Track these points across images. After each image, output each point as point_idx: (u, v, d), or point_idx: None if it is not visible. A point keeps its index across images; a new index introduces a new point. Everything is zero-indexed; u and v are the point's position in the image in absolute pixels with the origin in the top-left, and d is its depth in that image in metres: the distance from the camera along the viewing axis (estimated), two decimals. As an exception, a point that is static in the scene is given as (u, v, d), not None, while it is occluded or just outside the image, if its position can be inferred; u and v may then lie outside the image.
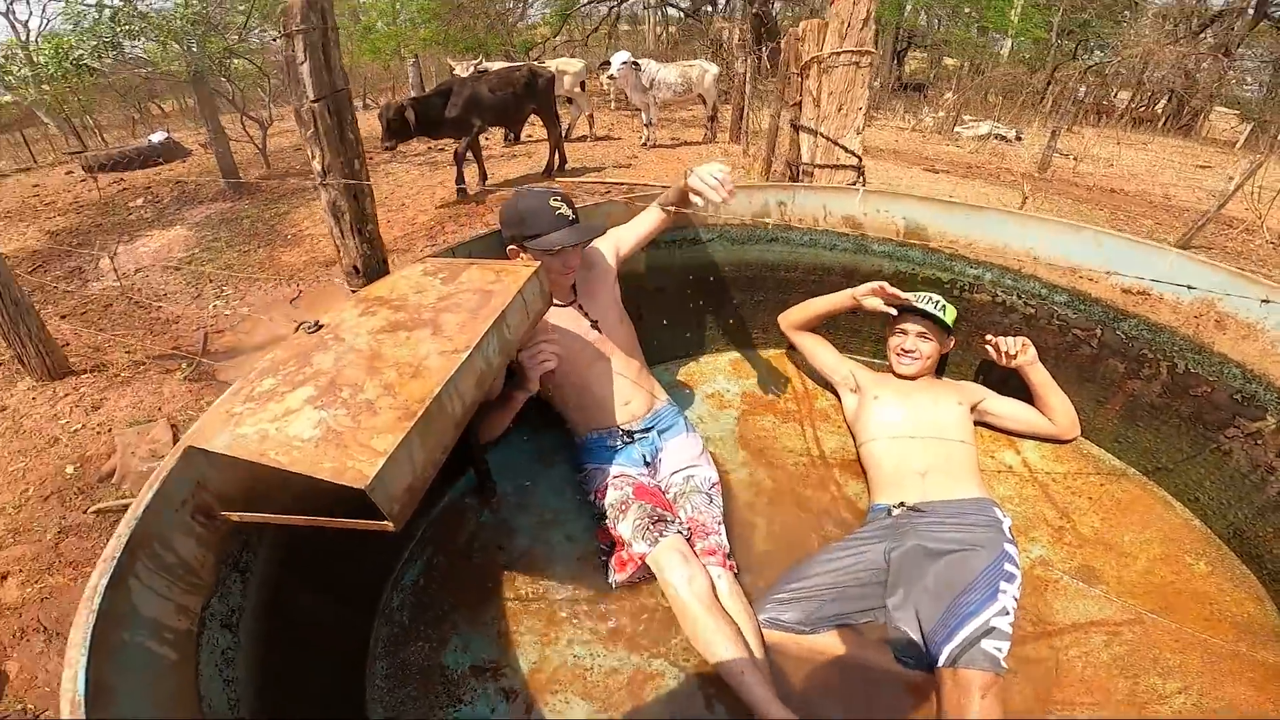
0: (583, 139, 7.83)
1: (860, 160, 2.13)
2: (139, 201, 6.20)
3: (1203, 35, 13.49)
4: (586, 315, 1.70)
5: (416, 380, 1.04)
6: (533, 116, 6.12)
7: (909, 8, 12.30)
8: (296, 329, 1.22)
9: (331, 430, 0.95)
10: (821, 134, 2.14)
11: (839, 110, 2.10)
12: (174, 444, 2.20)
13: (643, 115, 7.28)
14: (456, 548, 1.64)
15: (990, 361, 1.92)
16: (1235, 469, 1.64)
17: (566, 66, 7.33)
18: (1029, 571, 1.58)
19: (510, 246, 1.59)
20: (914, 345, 1.86)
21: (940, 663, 1.31)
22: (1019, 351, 1.81)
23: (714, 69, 7.33)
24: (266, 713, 1.06)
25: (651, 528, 1.47)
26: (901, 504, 1.60)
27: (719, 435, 2.00)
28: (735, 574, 1.49)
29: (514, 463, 1.87)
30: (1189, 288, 1.59)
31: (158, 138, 8.59)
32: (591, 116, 7.87)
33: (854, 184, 2.14)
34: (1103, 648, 1.43)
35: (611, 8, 14.43)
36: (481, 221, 4.79)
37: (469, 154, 5.36)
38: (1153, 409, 1.80)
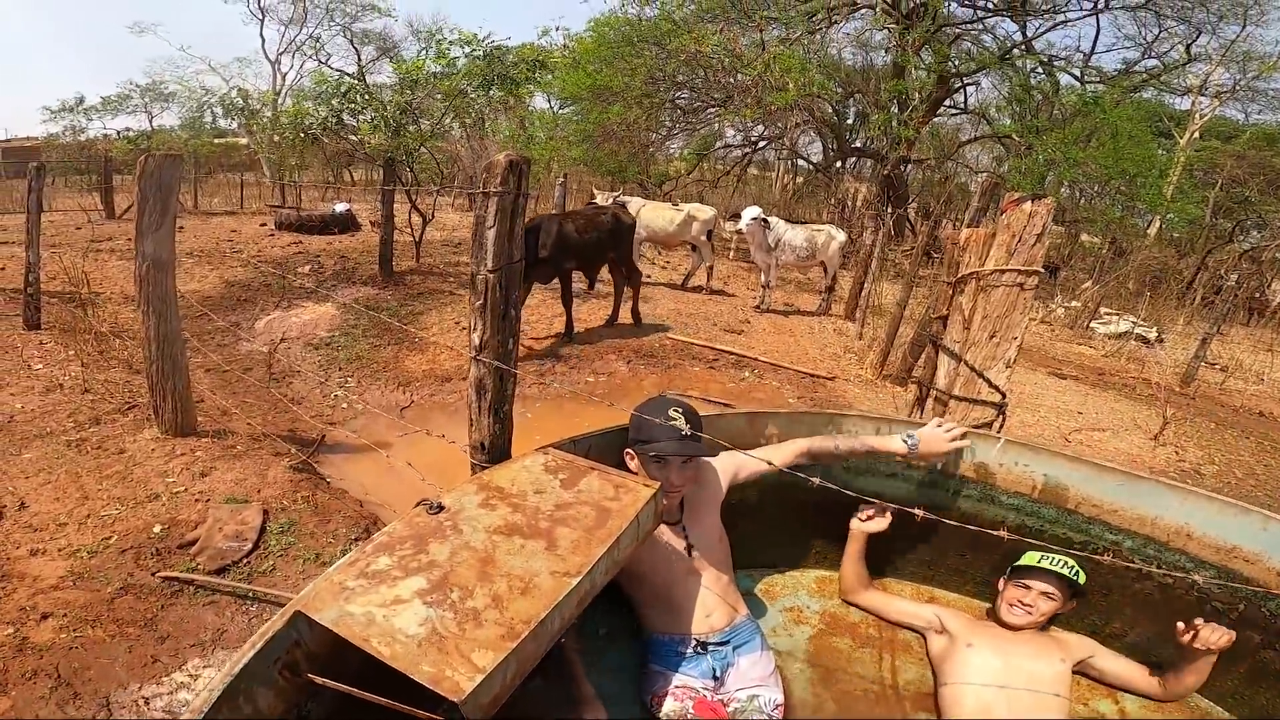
0: (698, 289, 7.80)
1: (1004, 398, 2.02)
2: (306, 268, 6.96)
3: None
4: (686, 537, 1.69)
5: (525, 599, 1.03)
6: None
7: (1050, 178, 12.00)
8: (417, 505, 1.26)
9: (436, 632, 0.97)
10: (965, 361, 2.05)
11: (990, 337, 1.98)
12: (260, 529, 2.34)
13: (762, 275, 7.20)
14: (499, 708, 1.58)
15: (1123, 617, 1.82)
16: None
17: (698, 213, 7.50)
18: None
19: (627, 449, 1.62)
20: (1034, 601, 1.77)
21: None
22: (1221, 644, 1.60)
23: (841, 236, 7.29)
24: None
25: None
26: None
27: (789, 650, 1.87)
28: None
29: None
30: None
31: (341, 208, 9.83)
32: (711, 268, 7.86)
33: (991, 424, 2.01)
34: None
35: (746, 153, 15.37)
36: (589, 368, 4.84)
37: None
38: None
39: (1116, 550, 1.82)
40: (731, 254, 11.00)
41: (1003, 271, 1.93)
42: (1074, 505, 1.84)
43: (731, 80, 11.65)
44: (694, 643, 1.63)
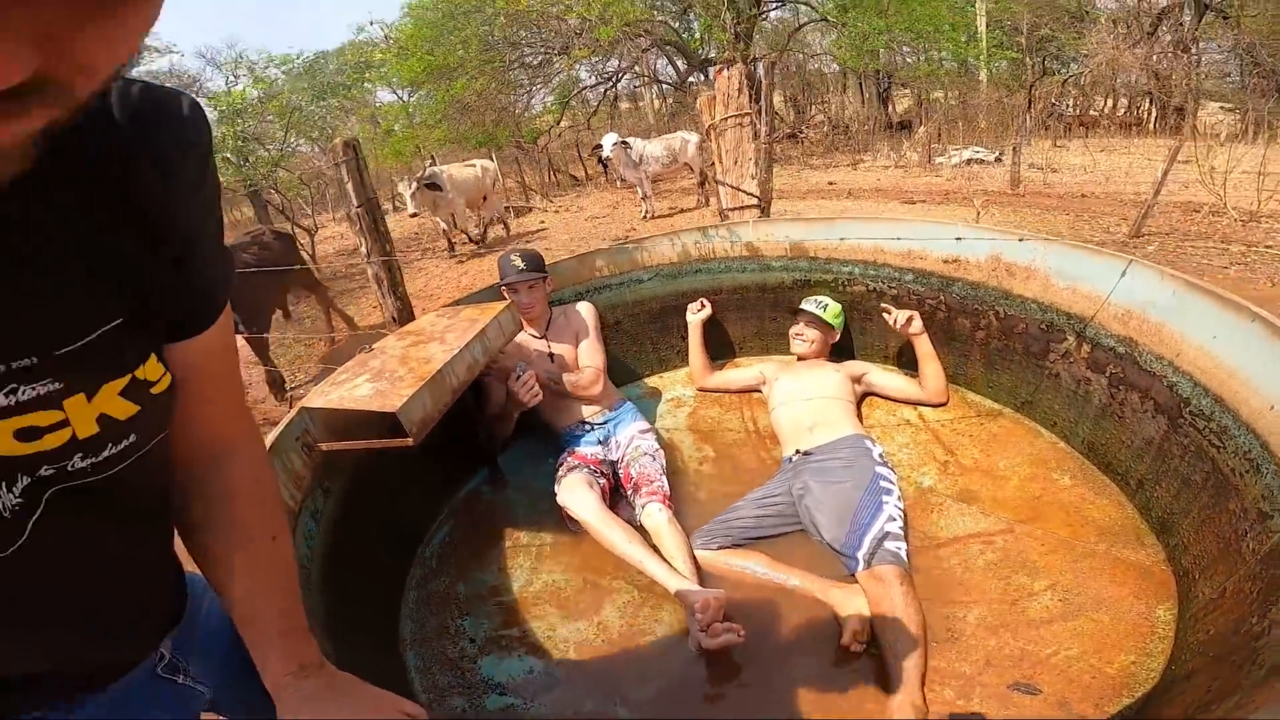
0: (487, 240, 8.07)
1: (759, 199, 2.82)
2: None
3: (1156, 34, 13.56)
4: (549, 348, 2.31)
5: (427, 365, 1.71)
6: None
7: (882, 51, 12.95)
8: (359, 351, 1.92)
9: (379, 391, 1.62)
10: (727, 183, 2.84)
11: (735, 163, 2.83)
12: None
13: (639, 191, 7.87)
14: (473, 518, 2.17)
15: (896, 338, 2.35)
16: (1066, 388, 1.93)
17: (487, 164, 7.97)
18: (919, 499, 1.86)
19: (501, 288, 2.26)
20: (801, 330, 2.36)
21: (859, 569, 1.59)
22: (905, 324, 2.14)
23: (694, 137, 7.88)
24: (328, 597, 1.57)
25: (565, 476, 1.98)
26: (797, 451, 1.99)
27: (675, 426, 2.45)
28: (673, 511, 1.87)
29: (518, 459, 2.37)
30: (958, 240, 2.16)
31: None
32: (507, 214, 8.18)
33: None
34: (978, 554, 1.66)
35: (605, 89, 15.54)
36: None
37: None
38: (999, 352, 2.13)
39: (852, 278, 2.52)
40: (618, 184, 11.35)
41: (726, 119, 2.72)
42: (814, 254, 2.56)
43: (563, 26, 11.84)
44: (585, 425, 2.27)
